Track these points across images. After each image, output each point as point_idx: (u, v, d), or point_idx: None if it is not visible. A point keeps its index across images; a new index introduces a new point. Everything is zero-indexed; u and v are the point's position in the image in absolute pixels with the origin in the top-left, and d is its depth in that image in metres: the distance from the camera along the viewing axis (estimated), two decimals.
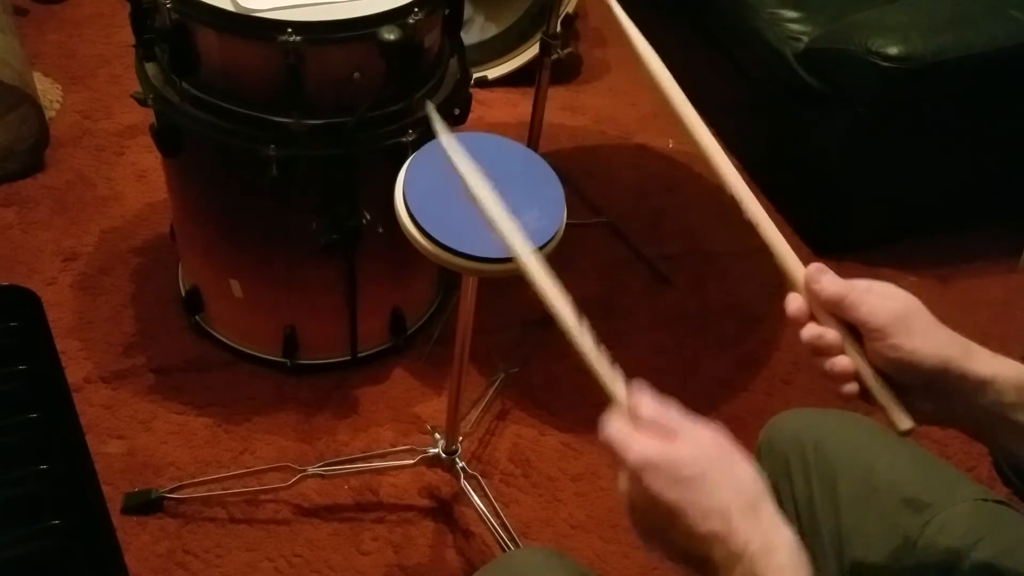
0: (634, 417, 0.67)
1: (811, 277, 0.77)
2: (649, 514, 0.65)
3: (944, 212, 2.16)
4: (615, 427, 0.67)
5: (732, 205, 0.79)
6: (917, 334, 0.74)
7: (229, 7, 1.29)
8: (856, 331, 0.76)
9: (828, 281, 0.76)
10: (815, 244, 2.07)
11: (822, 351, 0.76)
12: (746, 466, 0.66)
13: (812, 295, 0.77)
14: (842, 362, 0.75)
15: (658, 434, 0.66)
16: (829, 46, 1.89)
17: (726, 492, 0.64)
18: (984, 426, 0.77)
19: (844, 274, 0.77)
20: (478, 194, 0.77)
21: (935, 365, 0.73)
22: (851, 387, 0.76)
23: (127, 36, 1.46)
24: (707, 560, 0.64)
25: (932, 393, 0.75)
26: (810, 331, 0.76)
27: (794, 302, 0.78)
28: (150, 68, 1.47)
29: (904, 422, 0.75)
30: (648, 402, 0.67)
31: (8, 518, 0.94)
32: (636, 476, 0.65)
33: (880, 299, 0.75)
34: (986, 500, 0.92)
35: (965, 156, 2.03)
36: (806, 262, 0.78)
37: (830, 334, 0.76)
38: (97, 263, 1.87)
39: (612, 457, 0.67)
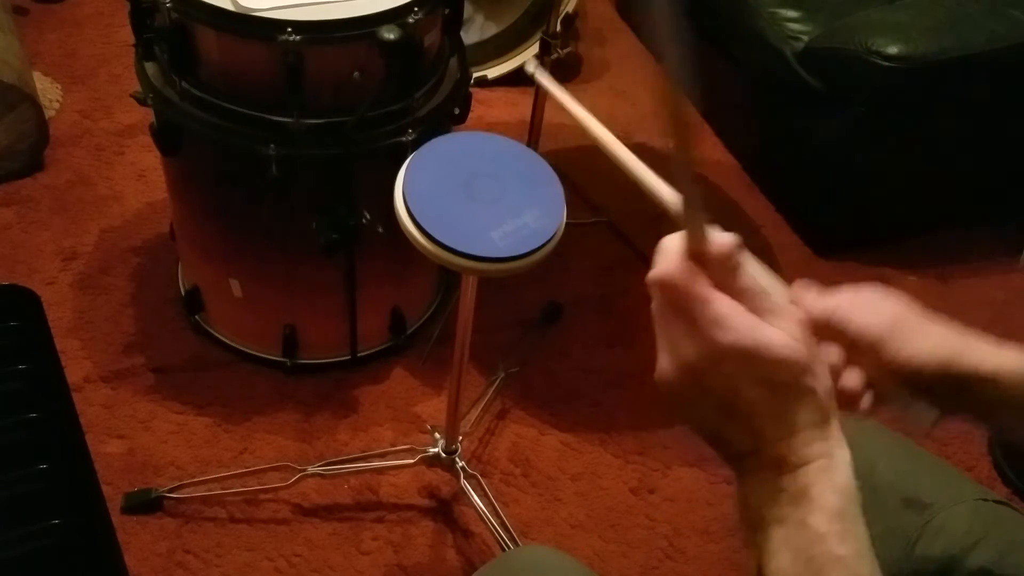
0: (707, 263, 0.55)
1: (794, 303, 0.74)
2: (697, 387, 0.56)
3: (944, 212, 2.16)
4: (682, 267, 0.54)
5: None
6: (912, 340, 0.72)
7: (229, 7, 1.29)
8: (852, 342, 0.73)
9: (811, 302, 0.74)
10: (815, 244, 2.07)
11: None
12: (824, 377, 0.57)
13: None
14: (851, 380, 0.73)
15: (751, 306, 0.55)
16: (829, 46, 1.89)
17: (806, 407, 0.55)
18: (988, 415, 0.76)
19: (844, 274, 0.76)
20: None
21: (936, 368, 0.72)
22: (866, 401, 0.73)
23: (127, 36, 1.46)
24: (746, 454, 0.57)
25: (935, 393, 0.74)
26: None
27: None
28: (150, 67, 1.46)
29: (929, 416, 0.73)
30: (737, 251, 0.55)
31: (8, 518, 0.94)
32: (710, 348, 0.54)
33: (868, 312, 0.73)
34: (986, 500, 0.92)
35: (965, 156, 2.03)
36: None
37: (829, 354, 0.73)
38: (97, 263, 1.87)
39: (663, 298, 0.56)
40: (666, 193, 0.68)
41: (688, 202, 0.55)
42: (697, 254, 0.55)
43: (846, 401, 0.73)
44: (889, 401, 0.75)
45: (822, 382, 0.56)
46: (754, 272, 0.63)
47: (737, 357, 0.54)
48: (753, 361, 0.54)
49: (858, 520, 0.56)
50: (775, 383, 0.55)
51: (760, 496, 0.57)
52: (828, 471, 0.55)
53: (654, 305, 0.58)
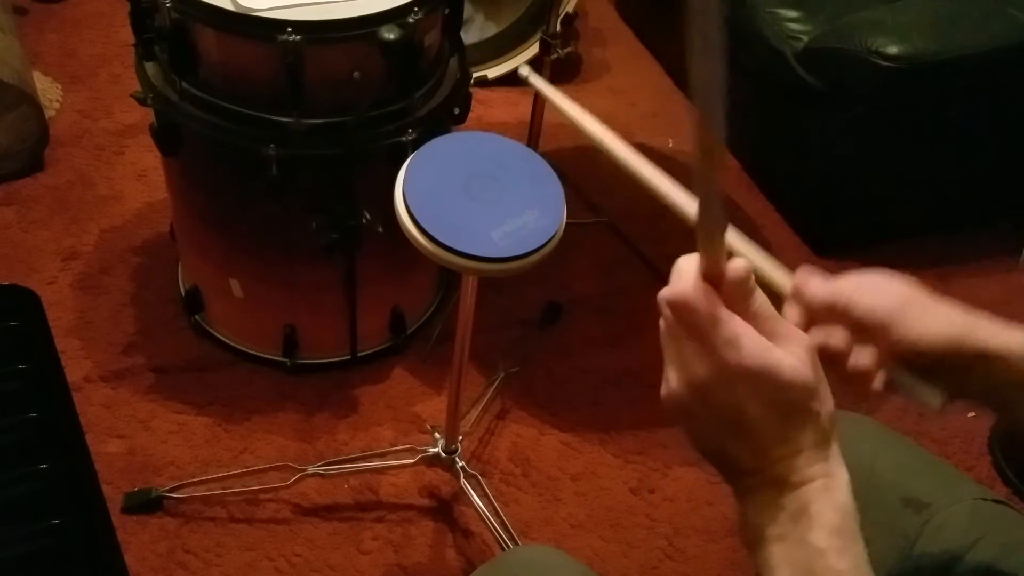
0: (721, 285, 0.56)
1: (797, 289, 0.73)
2: (704, 405, 0.57)
3: (944, 212, 2.16)
4: (697, 288, 0.56)
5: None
6: (920, 320, 0.71)
7: (229, 6, 1.29)
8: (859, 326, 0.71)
9: (815, 288, 0.72)
10: (815, 244, 2.07)
11: (833, 357, 0.71)
12: (828, 400, 0.59)
13: (804, 305, 0.73)
14: (863, 359, 0.71)
15: (762, 330, 0.57)
16: (829, 46, 1.89)
17: (809, 429, 0.57)
18: (995, 396, 0.75)
19: (844, 274, 0.76)
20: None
21: (944, 348, 0.71)
22: (878, 383, 0.71)
23: (127, 35, 1.46)
24: (748, 472, 0.58)
25: (943, 375, 0.72)
26: (813, 338, 0.67)
27: (791, 316, 0.73)
28: (150, 67, 1.47)
29: (936, 399, 0.72)
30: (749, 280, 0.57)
31: (8, 518, 0.94)
32: (721, 367, 0.55)
33: (875, 294, 0.72)
34: (985, 500, 0.92)
35: (965, 156, 2.03)
36: (806, 262, 0.77)
37: (836, 336, 0.71)
38: (97, 262, 1.87)
39: (676, 317, 0.57)
40: (675, 195, 0.72)
41: (709, 225, 0.57)
42: (712, 276, 0.57)
43: (859, 381, 0.72)
44: (896, 386, 0.73)
45: (826, 406, 0.58)
46: (761, 264, 0.70)
47: (747, 378, 0.55)
48: (762, 382, 0.56)
49: (857, 538, 0.57)
50: (782, 405, 0.56)
51: (761, 514, 0.58)
52: (828, 491, 0.57)
53: (664, 323, 0.59)
